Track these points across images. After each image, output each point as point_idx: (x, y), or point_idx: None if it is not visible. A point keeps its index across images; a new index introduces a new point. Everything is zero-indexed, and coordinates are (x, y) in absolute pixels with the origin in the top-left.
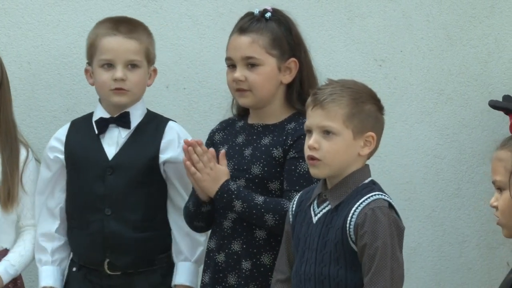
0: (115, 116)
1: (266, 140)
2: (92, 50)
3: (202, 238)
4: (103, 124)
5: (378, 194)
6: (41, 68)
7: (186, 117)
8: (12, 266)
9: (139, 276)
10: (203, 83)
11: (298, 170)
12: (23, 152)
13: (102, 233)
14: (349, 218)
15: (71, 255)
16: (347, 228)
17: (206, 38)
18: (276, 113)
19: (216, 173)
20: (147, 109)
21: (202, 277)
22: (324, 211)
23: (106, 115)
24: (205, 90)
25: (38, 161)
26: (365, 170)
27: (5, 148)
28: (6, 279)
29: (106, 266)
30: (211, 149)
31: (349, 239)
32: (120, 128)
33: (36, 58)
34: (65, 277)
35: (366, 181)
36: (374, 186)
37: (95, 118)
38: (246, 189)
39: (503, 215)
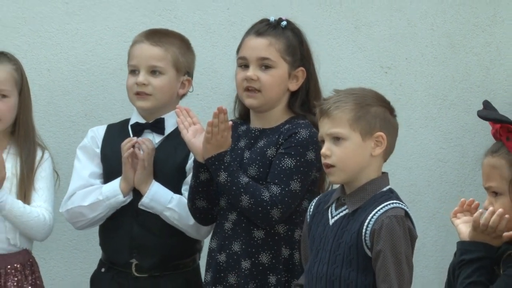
0: (150, 122)
1: (261, 143)
2: (128, 57)
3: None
4: (139, 129)
5: (396, 203)
6: (60, 75)
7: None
8: (8, 196)
9: (165, 279)
10: (215, 89)
11: (281, 165)
12: (39, 153)
13: (130, 235)
14: (365, 224)
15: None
16: (363, 233)
17: (218, 46)
18: (276, 118)
19: (223, 142)
20: None
21: (205, 276)
22: (341, 214)
23: (142, 120)
24: (217, 96)
25: (55, 170)
26: (383, 178)
27: (23, 150)
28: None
29: (133, 268)
30: (230, 122)
31: (364, 244)
32: (154, 134)
33: (55, 66)
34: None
35: (385, 189)
36: (392, 194)
37: (131, 123)
38: (237, 167)
39: None
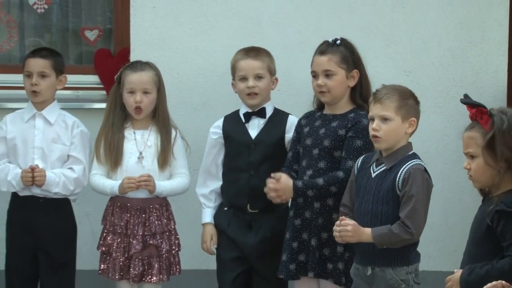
0: (255, 110)
1: (334, 124)
2: (233, 70)
3: None
4: (248, 116)
5: (418, 161)
6: (185, 77)
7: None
8: (158, 186)
9: (268, 213)
10: (290, 87)
11: (354, 145)
12: (173, 132)
13: (248, 186)
14: (398, 175)
15: (219, 201)
16: (397, 181)
17: (292, 57)
18: (342, 106)
19: (282, 187)
20: (274, 107)
21: (289, 212)
22: (380, 170)
23: (249, 110)
24: (291, 91)
25: (183, 138)
26: (409, 145)
27: (162, 130)
28: (157, 191)
29: (248, 206)
30: (270, 180)
31: (397, 188)
32: (259, 118)
33: (182, 70)
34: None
35: (410, 153)
36: (415, 156)
37: (241, 112)
38: (308, 180)
39: (476, 174)
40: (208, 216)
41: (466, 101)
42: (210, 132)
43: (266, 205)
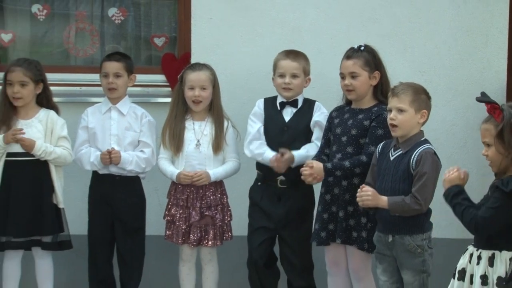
0: (289, 100)
1: (360, 116)
2: (274, 67)
3: None
4: (283, 105)
5: (429, 145)
6: (236, 77)
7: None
8: (214, 174)
9: (296, 188)
10: (323, 84)
11: (376, 133)
12: (225, 123)
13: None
14: (412, 157)
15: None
16: (411, 163)
17: (325, 60)
18: (367, 102)
19: (316, 171)
20: (304, 97)
21: (321, 189)
22: (397, 154)
23: (284, 100)
24: (324, 88)
25: (234, 127)
26: (421, 133)
27: (217, 120)
28: (211, 178)
29: (278, 182)
30: (304, 168)
31: (411, 168)
32: (292, 107)
33: (234, 71)
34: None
35: (422, 139)
36: (426, 141)
37: (278, 101)
38: (339, 154)
39: (492, 160)
40: (270, 154)
41: (482, 99)
42: (256, 106)
43: (293, 180)
